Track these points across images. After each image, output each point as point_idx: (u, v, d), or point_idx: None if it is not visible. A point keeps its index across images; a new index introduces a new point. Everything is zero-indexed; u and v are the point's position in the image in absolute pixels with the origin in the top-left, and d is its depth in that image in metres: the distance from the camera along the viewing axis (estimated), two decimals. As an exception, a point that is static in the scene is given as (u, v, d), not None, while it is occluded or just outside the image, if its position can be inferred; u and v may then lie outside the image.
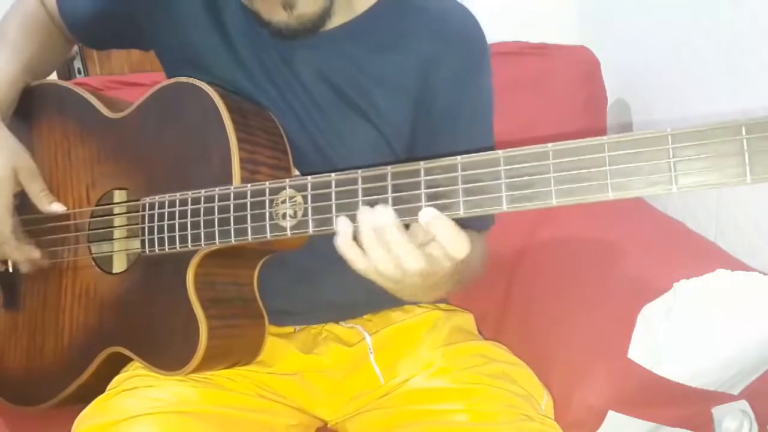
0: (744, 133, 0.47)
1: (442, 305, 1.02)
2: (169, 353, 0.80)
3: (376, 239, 0.63)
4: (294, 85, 0.89)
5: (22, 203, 0.93)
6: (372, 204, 0.63)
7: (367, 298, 0.98)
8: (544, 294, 1.13)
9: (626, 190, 0.51)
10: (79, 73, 1.71)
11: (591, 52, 1.48)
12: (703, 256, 1.03)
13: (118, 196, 0.91)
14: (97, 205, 0.91)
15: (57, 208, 0.92)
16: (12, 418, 0.98)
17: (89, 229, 0.91)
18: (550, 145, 0.54)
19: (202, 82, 0.81)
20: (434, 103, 0.89)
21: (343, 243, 0.65)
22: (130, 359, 0.86)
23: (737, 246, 1.13)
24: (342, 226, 0.65)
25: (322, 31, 0.87)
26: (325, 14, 0.82)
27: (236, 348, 0.84)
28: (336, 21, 0.87)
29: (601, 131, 1.46)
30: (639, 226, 1.20)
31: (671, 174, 0.50)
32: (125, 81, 1.42)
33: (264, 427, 0.85)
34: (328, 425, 0.96)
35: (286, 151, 0.85)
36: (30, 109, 0.98)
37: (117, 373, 0.87)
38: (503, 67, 1.27)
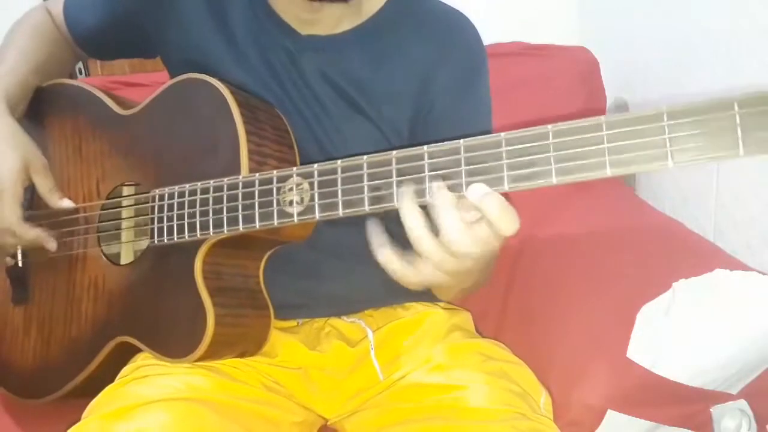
0: (737, 108, 0.49)
1: (441, 303, 1.02)
2: (176, 341, 0.81)
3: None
4: (299, 84, 0.91)
5: (32, 199, 0.95)
6: (377, 189, 0.64)
7: (368, 294, 0.99)
8: (544, 293, 1.14)
9: (624, 166, 0.52)
10: (81, 73, 1.72)
11: (590, 52, 1.50)
12: (702, 255, 1.03)
13: (127, 190, 0.92)
14: (107, 199, 0.92)
15: (67, 204, 0.93)
16: (17, 412, 0.99)
17: (99, 222, 0.92)
18: (549, 126, 0.55)
19: (213, 78, 0.83)
20: (432, 108, 0.91)
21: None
22: (138, 351, 0.87)
23: (736, 246, 1.13)
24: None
25: (330, 34, 0.90)
26: None
27: (242, 337, 0.85)
28: (344, 26, 0.90)
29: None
30: (638, 226, 1.21)
31: (667, 149, 0.51)
32: (126, 81, 1.45)
33: (270, 421, 0.86)
34: (328, 423, 0.96)
35: (292, 145, 0.87)
36: (41, 107, 1.00)
37: (124, 364, 0.88)
38: (503, 68, 1.28)
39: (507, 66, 1.42)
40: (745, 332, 0.90)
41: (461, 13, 0.95)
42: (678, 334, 0.91)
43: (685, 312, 0.92)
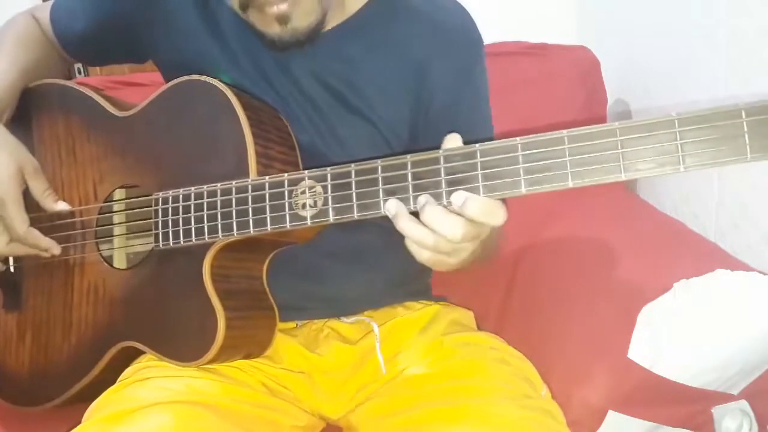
0: (744, 116, 0.54)
1: (442, 303, 1.05)
2: (185, 345, 0.83)
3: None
4: (292, 88, 0.93)
5: (25, 201, 0.95)
6: (393, 192, 0.67)
7: (368, 295, 1.01)
8: (545, 293, 1.17)
9: (638, 170, 0.57)
10: (79, 72, 1.74)
11: (591, 51, 1.52)
12: (703, 256, 1.07)
13: (123, 193, 0.94)
14: (105, 202, 0.94)
15: (62, 206, 0.95)
16: (10, 420, 0.99)
17: (97, 226, 0.94)
18: (565, 131, 0.60)
19: (215, 80, 0.85)
20: (432, 102, 0.93)
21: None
22: (140, 353, 0.89)
23: (737, 246, 1.16)
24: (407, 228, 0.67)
25: None
26: (318, 27, 0.85)
27: (249, 339, 0.87)
28: (330, 24, 0.90)
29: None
30: (639, 227, 1.24)
31: (679, 155, 0.56)
32: (125, 81, 1.46)
33: (272, 423, 0.88)
34: (332, 421, 0.98)
35: (294, 146, 0.90)
36: (31, 108, 1.01)
37: (126, 368, 0.89)
38: (503, 68, 1.29)
39: (507, 65, 1.45)
40: (746, 332, 0.94)
41: (455, 1, 0.96)
42: (679, 335, 0.95)
43: (686, 312, 0.95)
